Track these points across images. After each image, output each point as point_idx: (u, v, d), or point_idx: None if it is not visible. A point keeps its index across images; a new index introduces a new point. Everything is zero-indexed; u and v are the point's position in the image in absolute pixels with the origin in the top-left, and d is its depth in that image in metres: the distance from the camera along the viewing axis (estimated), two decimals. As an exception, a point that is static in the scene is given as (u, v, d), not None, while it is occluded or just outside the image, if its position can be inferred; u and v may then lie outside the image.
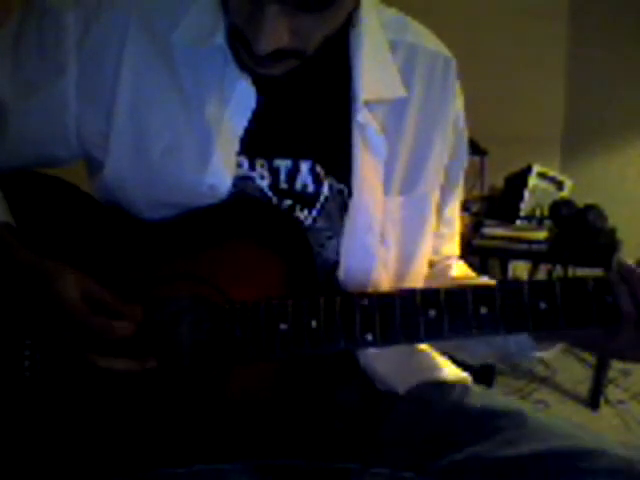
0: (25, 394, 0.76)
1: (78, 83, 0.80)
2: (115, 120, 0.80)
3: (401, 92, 0.86)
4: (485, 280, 0.95)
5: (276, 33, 0.69)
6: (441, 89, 0.90)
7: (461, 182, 0.99)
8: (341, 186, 0.84)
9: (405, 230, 0.89)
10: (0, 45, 0.82)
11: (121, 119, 0.80)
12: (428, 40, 0.91)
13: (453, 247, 1.01)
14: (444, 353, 0.98)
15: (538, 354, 0.84)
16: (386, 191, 0.86)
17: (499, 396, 0.91)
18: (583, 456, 0.75)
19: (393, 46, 0.87)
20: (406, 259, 0.91)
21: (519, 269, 2.95)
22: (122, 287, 0.77)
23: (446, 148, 0.92)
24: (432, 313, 0.72)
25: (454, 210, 1.00)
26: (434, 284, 0.96)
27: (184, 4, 0.80)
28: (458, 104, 0.94)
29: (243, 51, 0.74)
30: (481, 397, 0.89)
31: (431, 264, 0.98)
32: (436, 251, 0.98)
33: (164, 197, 0.81)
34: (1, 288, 0.76)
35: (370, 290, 0.86)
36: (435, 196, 0.92)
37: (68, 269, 0.74)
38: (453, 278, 0.97)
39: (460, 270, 0.99)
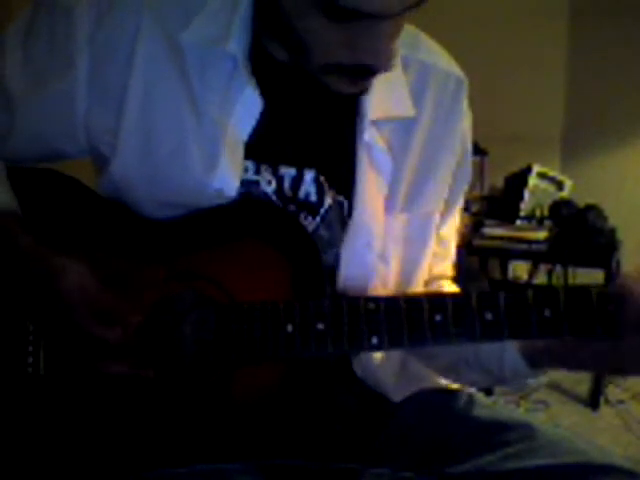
0: (27, 391, 0.76)
1: (89, 79, 0.80)
2: (125, 118, 0.79)
3: (410, 112, 0.85)
4: None
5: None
6: (450, 109, 0.89)
7: (461, 202, 0.97)
8: (340, 198, 0.84)
9: (407, 249, 0.89)
10: (11, 40, 0.82)
11: (131, 117, 0.79)
12: (441, 59, 0.90)
13: (444, 267, 0.99)
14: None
15: (531, 381, 0.83)
16: (389, 209, 0.86)
17: (506, 408, 0.90)
18: (592, 472, 0.75)
19: (405, 63, 0.86)
20: (406, 277, 0.90)
21: (519, 269, 2.95)
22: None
23: (451, 168, 0.91)
24: (438, 318, 0.72)
25: (452, 230, 0.97)
26: None
27: (196, 4, 0.79)
28: (466, 124, 0.93)
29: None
30: (487, 409, 0.89)
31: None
32: (427, 270, 0.96)
33: (170, 197, 0.80)
34: (5, 277, 0.76)
35: None
36: (438, 215, 0.91)
37: (75, 265, 0.73)
38: None
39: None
